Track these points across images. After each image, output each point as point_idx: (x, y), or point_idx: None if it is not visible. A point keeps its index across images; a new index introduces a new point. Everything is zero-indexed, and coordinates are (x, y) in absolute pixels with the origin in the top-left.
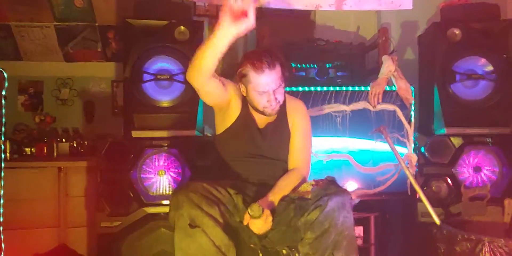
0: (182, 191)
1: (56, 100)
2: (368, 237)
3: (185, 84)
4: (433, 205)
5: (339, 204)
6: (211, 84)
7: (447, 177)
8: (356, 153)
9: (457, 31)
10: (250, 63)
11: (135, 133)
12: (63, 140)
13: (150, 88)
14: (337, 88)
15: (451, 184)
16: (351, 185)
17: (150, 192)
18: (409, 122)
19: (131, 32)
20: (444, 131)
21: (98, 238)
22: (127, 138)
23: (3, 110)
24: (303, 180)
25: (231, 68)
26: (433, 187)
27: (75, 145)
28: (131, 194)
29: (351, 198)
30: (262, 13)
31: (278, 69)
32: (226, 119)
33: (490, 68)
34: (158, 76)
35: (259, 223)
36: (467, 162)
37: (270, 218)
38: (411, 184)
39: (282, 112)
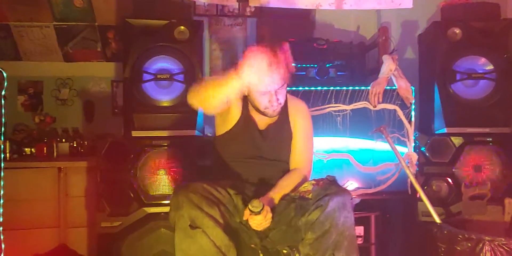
0: (182, 191)
1: (56, 100)
2: (368, 237)
3: (185, 84)
4: (433, 204)
5: (340, 204)
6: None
7: (447, 177)
8: (356, 152)
9: (457, 31)
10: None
11: (135, 133)
12: (63, 140)
13: (150, 88)
14: (337, 88)
15: (452, 184)
16: (351, 185)
17: (150, 192)
18: (410, 122)
19: (130, 32)
20: (445, 130)
21: (98, 238)
22: (127, 138)
23: (3, 110)
24: (304, 180)
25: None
26: (434, 187)
27: (75, 145)
28: (131, 194)
29: (352, 198)
30: (262, 13)
31: (281, 69)
32: (227, 122)
33: (490, 67)
34: (158, 76)
35: (259, 219)
36: (467, 161)
37: (270, 215)
38: (411, 184)
39: (283, 113)
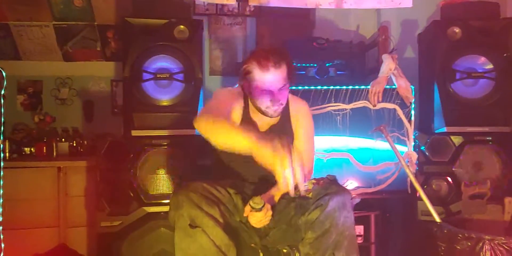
0: (182, 191)
1: (55, 99)
2: (368, 236)
3: (185, 83)
4: (433, 203)
5: (340, 203)
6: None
7: (447, 176)
8: (356, 151)
9: (457, 30)
10: (256, 61)
11: (134, 132)
12: (63, 139)
13: (149, 87)
14: (337, 87)
15: (451, 183)
16: (351, 184)
17: (150, 192)
18: (409, 121)
19: (130, 31)
20: (444, 129)
21: (98, 238)
22: (126, 137)
23: (2, 110)
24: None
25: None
26: (433, 186)
27: (74, 144)
28: (131, 194)
29: (352, 197)
30: (261, 12)
31: (284, 69)
32: None
33: (490, 66)
34: (158, 75)
35: (259, 215)
36: (467, 160)
37: (270, 212)
38: (411, 183)
39: (285, 113)
